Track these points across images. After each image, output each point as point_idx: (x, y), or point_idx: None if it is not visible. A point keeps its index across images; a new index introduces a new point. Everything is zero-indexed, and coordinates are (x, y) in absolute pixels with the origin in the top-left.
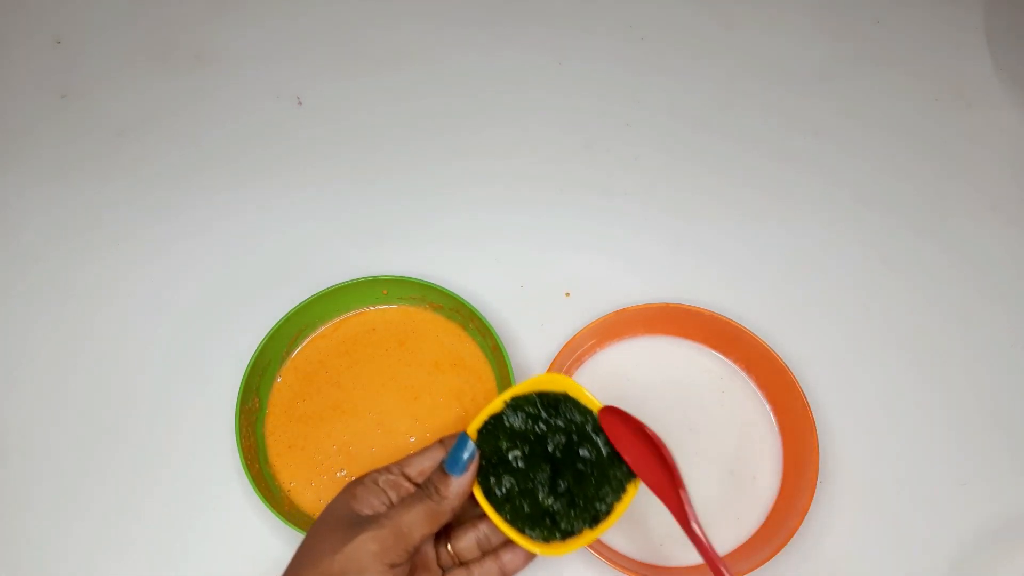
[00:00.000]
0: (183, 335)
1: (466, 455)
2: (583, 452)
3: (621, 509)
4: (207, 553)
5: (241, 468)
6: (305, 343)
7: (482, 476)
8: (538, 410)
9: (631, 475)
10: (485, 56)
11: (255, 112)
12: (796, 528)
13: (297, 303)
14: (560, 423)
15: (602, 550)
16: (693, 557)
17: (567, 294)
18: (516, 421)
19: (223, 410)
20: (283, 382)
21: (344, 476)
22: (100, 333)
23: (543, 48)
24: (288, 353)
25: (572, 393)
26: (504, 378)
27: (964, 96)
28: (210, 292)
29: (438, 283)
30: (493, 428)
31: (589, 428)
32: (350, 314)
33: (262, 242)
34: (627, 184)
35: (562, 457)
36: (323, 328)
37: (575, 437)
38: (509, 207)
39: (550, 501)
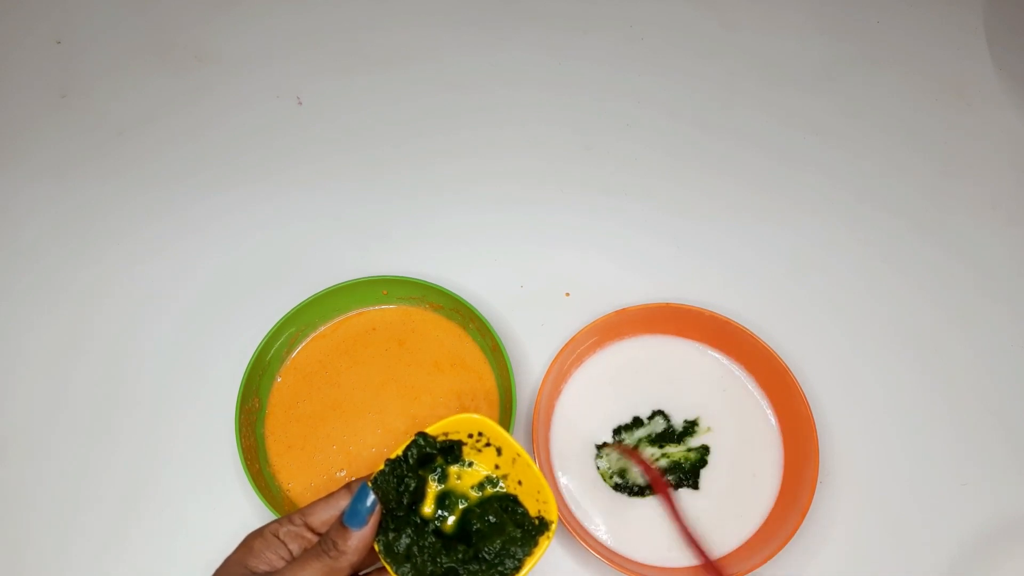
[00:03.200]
0: (183, 335)
1: (365, 506)
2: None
3: (532, 563)
4: (207, 553)
5: (241, 468)
6: (305, 343)
7: (382, 529)
8: (436, 455)
9: (544, 527)
10: (485, 56)
11: (255, 112)
12: (796, 528)
13: (297, 303)
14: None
15: (602, 550)
16: (693, 558)
17: (567, 294)
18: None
19: (223, 410)
20: (283, 382)
21: (344, 476)
22: (100, 333)
23: (543, 48)
24: (288, 353)
25: (488, 434)
26: (504, 378)
27: (964, 96)
28: (210, 292)
29: (438, 283)
30: (393, 472)
31: (498, 477)
32: (350, 314)
33: (262, 242)
34: (627, 184)
35: (466, 510)
36: (323, 328)
37: (485, 487)
38: (509, 207)
39: (454, 559)
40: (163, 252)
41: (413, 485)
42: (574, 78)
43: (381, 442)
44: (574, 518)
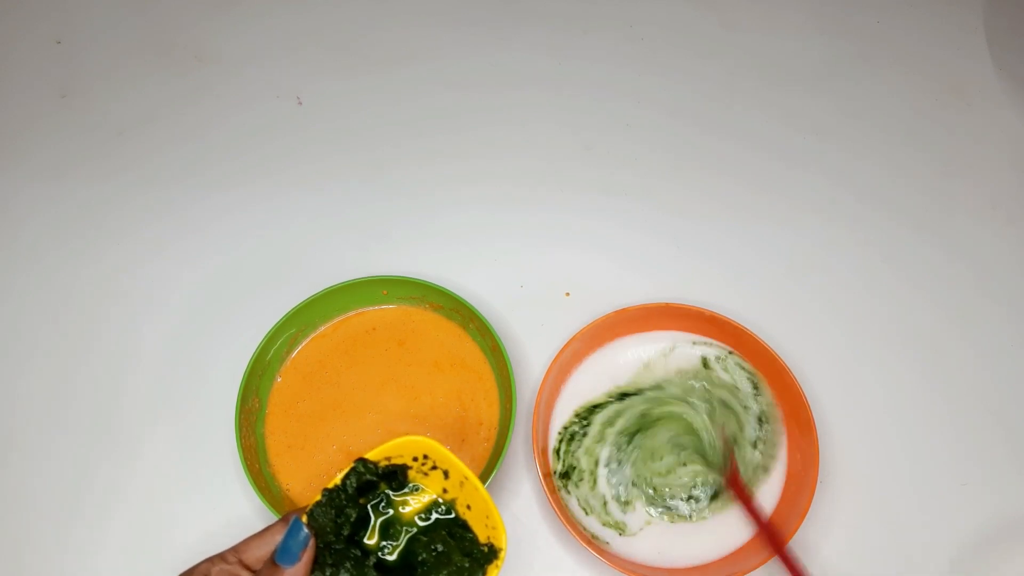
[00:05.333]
0: (183, 335)
1: (297, 542)
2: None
3: None
4: (207, 553)
5: (241, 468)
6: (305, 343)
7: (319, 564)
8: (379, 482)
9: (493, 555)
10: (485, 56)
11: (255, 112)
12: (796, 528)
13: (297, 303)
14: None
15: (602, 551)
16: (693, 558)
17: (567, 294)
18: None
19: (223, 410)
20: (283, 382)
21: None
22: (100, 333)
23: (543, 48)
24: (288, 353)
25: (433, 456)
26: (504, 378)
27: (964, 96)
28: (210, 292)
29: (438, 283)
30: (331, 503)
31: (446, 502)
32: (350, 314)
33: (262, 242)
34: (627, 184)
35: (412, 538)
36: (323, 328)
37: (432, 513)
38: (509, 207)
39: None
40: (163, 252)
41: (354, 515)
42: (574, 78)
43: (381, 442)
44: (574, 519)
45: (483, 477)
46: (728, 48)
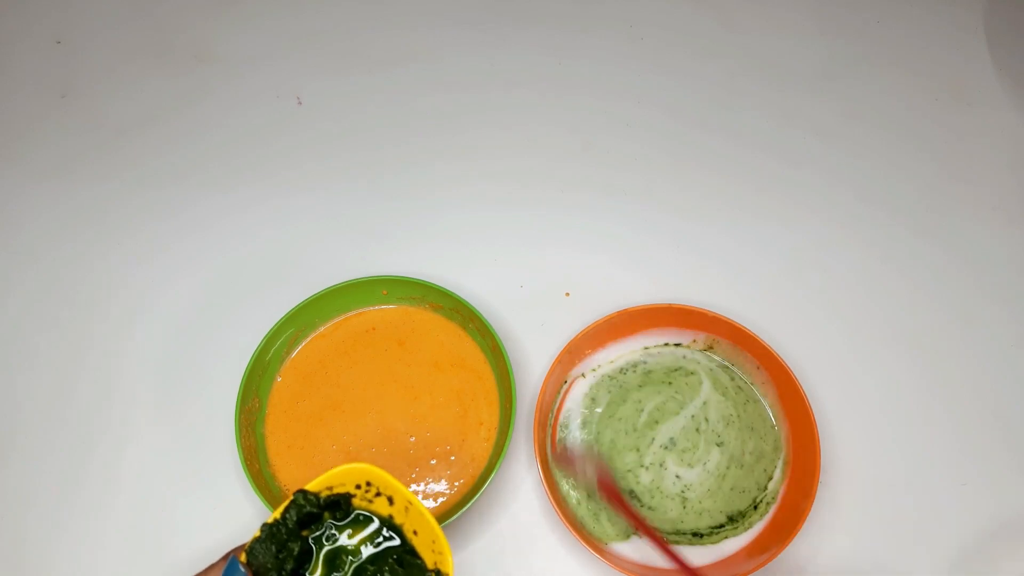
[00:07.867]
0: (183, 335)
1: None
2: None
3: None
4: (206, 553)
5: (241, 468)
6: (305, 343)
7: None
8: (322, 513)
9: None
10: (485, 56)
11: (255, 112)
12: (797, 529)
13: (297, 303)
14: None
15: (604, 553)
16: (696, 559)
17: (567, 294)
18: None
19: (223, 410)
20: (283, 382)
21: None
22: (100, 333)
23: (543, 48)
24: (288, 353)
25: (376, 483)
26: (504, 378)
27: (964, 96)
28: (210, 292)
29: (438, 283)
30: (271, 538)
31: (391, 529)
32: (350, 314)
33: (262, 242)
34: (627, 184)
35: (358, 568)
36: (323, 328)
37: (379, 539)
38: (509, 207)
39: None
40: (163, 252)
41: (296, 549)
42: (574, 78)
43: (381, 442)
44: (575, 519)
45: (483, 477)
46: (728, 48)
